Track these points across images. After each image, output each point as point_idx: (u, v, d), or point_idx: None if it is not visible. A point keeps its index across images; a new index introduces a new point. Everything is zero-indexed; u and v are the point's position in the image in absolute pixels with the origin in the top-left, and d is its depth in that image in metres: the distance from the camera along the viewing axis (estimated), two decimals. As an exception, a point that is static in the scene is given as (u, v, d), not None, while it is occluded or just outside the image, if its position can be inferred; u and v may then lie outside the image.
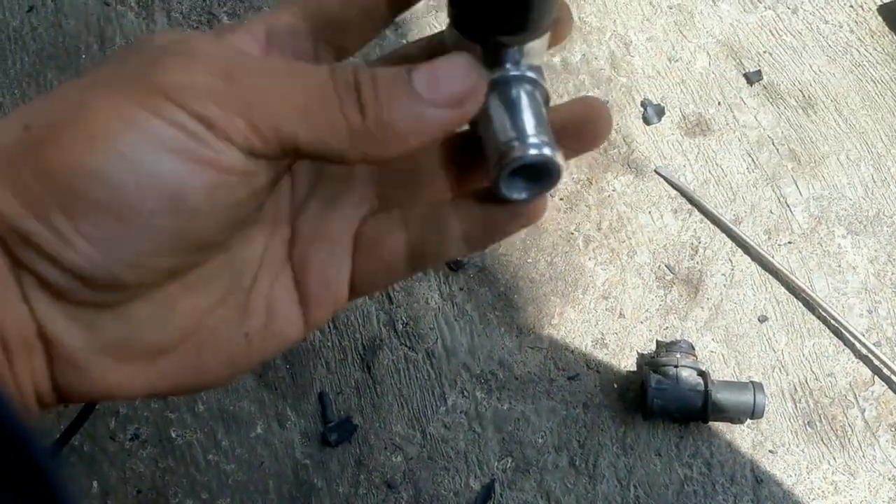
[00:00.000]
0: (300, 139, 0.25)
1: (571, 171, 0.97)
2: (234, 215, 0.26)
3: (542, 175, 0.29)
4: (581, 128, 0.31)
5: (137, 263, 0.25)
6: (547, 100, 0.30)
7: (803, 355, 0.88)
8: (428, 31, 1.05)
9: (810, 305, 0.90)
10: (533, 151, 0.28)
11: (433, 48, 0.32)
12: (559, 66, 1.02)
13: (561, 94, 1.01)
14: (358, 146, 0.26)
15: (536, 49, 0.29)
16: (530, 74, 0.29)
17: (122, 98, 0.24)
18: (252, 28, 0.29)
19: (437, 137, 0.27)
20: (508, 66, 0.29)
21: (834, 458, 0.85)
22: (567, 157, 0.30)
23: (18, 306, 0.25)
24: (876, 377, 0.87)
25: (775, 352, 0.89)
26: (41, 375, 0.26)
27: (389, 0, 0.30)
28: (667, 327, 0.90)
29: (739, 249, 0.93)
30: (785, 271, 0.90)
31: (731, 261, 0.92)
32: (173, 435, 0.86)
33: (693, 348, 0.86)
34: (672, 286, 0.92)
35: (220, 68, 0.25)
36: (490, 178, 0.29)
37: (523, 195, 0.30)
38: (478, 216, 0.31)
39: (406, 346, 0.90)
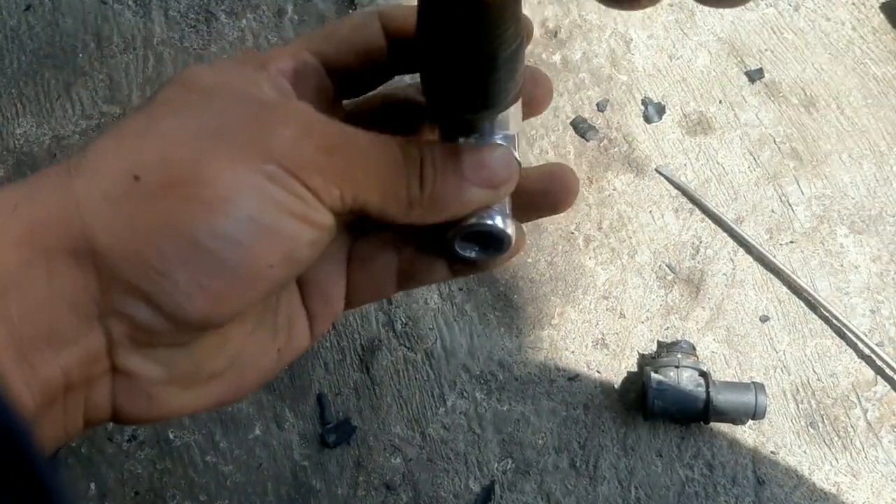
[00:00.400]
0: (369, 205, 0.29)
1: (571, 170, 0.96)
2: (312, 262, 0.30)
3: (493, 242, 0.32)
4: (547, 197, 0.34)
5: (239, 309, 0.28)
6: (517, 167, 0.32)
7: (805, 355, 0.88)
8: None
9: (812, 305, 0.89)
10: (488, 221, 0.31)
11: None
12: (559, 65, 1.02)
13: (561, 91, 1.00)
14: (409, 214, 0.30)
15: (508, 119, 0.31)
16: (500, 143, 0.31)
17: (242, 163, 0.27)
18: (280, 64, 0.31)
19: (473, 209, 0.31)
20: (478, 135, 0.31)
21: (836, 459, 0.84)
22: (534, 218, 0.34)
23: (98, 353, 0.26)
24: (879, 377, 0.87)
25: (777, 352, 0.88)
26: (102, 401, 0.28)
27: (391, 56, 0.33)
28: (668, 327, 0.89)
29: (741, 249, 0.92)
30: (787, 271, 0.90)
31: (732, 260, 0.92)
32: (171, 436, 0.85)
33: (694, 348, 0.86)
34: (673, 286, 0.91)
35: (323, 143, 0.28)
36: (446, 237, 0.32)
37: (473, 255, 0.33)
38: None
39: (405, 346, 0.89)
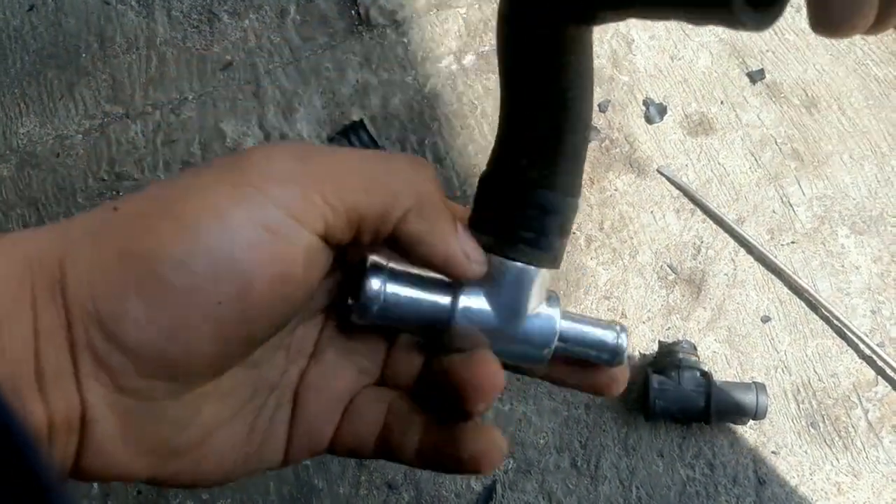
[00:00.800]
0: (361, 206, 0.28)
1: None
2: (286, 310, 0.28)
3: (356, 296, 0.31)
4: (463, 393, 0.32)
5: (192, 349, 0.27)
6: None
7: (806, 356, 0.88)
8: (428, 30, 1.04)
9: (813, 306, 0.89)
10: (369, 261, 0.31)
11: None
12: (561, 65, 1.02)
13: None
14: (397, 204, 0.29)
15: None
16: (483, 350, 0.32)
17: (213, 189, 0.27)
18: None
19: (442, 268, 0.31)
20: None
21: (837, 459, 0.84)
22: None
23: (72, 393, 0.26)
24: (879, 378, 0.87)
25: (778, 352, 0.88)
26: (69, 458, 0.27)
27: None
28: (669, 328, 0.89)
29: (742, 249, 0.92)
30: (788, 271, 0.90)
31: (733, 261, 0.92)
32: (174, 435, 0.85)
33: (695, 349, 0.86)
34: (674, 286, 0.91)
35: (294, 153, 0.28)
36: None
37: (349, 302, 0.31)
38: (432, 431, 0.32)
39: (407, 346, 0.89)
